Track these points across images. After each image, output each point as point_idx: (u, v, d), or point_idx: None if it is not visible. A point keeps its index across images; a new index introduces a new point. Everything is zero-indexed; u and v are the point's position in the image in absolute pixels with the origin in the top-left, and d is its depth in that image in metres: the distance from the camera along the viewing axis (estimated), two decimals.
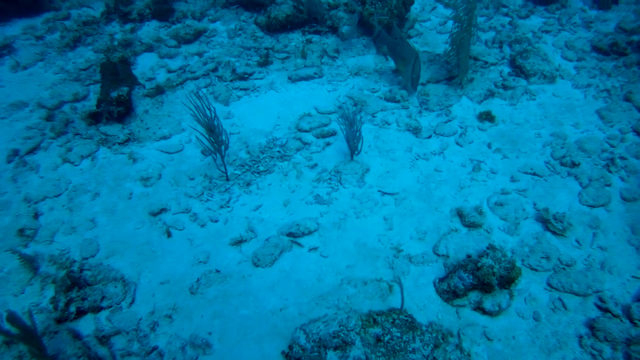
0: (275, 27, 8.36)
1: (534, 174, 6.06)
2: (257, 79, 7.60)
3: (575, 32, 8.11)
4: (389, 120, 6.77)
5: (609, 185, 5.89)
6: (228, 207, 5.88)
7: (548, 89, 7.13)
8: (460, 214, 5.62)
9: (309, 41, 8.14)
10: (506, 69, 7.50)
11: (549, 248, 5.30)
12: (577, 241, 5.41)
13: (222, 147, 5.96)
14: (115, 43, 8.39)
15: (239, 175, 6.21)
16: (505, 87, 7.16)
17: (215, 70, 7.75)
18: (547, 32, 8.13)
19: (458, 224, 5.59)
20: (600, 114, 6.73)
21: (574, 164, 6.07)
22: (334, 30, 8.31)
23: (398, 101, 7.04)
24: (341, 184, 6.04)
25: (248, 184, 6.10)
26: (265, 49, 8.05)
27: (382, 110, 6.96)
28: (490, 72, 7.45)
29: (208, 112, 5.66)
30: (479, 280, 4.81)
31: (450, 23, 8.34)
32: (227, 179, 6.14)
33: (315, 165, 6.28)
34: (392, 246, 5.42)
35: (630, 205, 5.71)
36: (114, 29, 8.80)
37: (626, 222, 5.56)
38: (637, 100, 6.80)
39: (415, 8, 8.73)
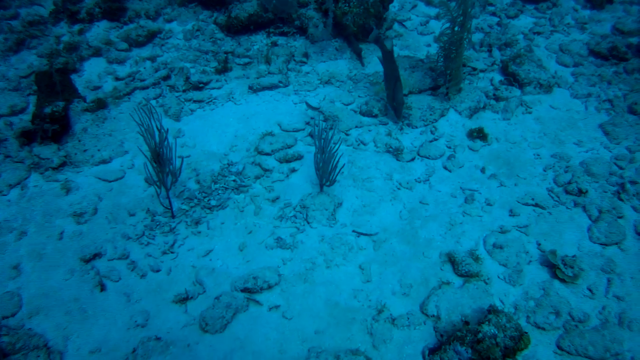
0: (237, 28, 6.99)
1: (536, 205, 4.87)
2: (213, 88, 6.27)
3: (569, 33, 6.88)
4: (365, 140, 5.49)
5: (621, 218, 4.75)
6: (172, 252, 4.61)
7: (545, 100, 5.90)
8: (452, 261, 4.40)
9: (274, 44, 6.80)
10: (497, 77, 6.23)
11: (558, 301, 4.20)
12: (589, 290, 4.31)
13: (169, 178, 4.66)
14: (61, 47, 6.98)
15: (187, 211, 4.91)
16: (497, 98, 5.91)
17: (167, 78, 6.41)
18: (538, 33, 6.88)
19: (450, 273, 4.37)
20: (605, 129, 5.57)
21: (581, 192, 4.91)
22: (302, 31, 6.96)
23: (375, 115, 5.75)
24: (308, 222, 4.76)
25: (197, 223, 4.80)
26: (225, 53, 6.69)
27: (357, 127, 5.68)
28: (480, 80, 6.17)
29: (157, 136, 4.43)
30: (480, 355, 3.62)
31: (433, 22, 7.08)
32: (173, 216, 4.84)
33: (277, 198, 5.00)
34: (371, 304, 4.18)
35: None
36: (62, 30, 7.40)
37: None
38: None
39: (393, 6, 7.36)
